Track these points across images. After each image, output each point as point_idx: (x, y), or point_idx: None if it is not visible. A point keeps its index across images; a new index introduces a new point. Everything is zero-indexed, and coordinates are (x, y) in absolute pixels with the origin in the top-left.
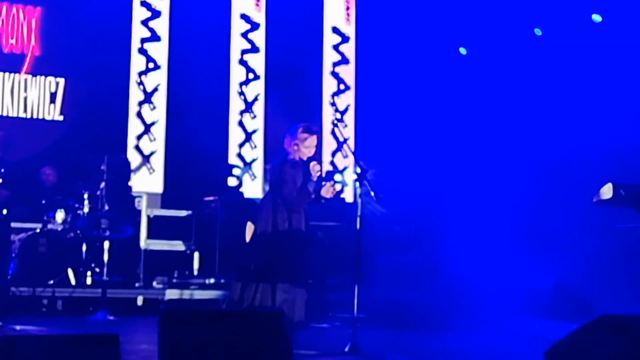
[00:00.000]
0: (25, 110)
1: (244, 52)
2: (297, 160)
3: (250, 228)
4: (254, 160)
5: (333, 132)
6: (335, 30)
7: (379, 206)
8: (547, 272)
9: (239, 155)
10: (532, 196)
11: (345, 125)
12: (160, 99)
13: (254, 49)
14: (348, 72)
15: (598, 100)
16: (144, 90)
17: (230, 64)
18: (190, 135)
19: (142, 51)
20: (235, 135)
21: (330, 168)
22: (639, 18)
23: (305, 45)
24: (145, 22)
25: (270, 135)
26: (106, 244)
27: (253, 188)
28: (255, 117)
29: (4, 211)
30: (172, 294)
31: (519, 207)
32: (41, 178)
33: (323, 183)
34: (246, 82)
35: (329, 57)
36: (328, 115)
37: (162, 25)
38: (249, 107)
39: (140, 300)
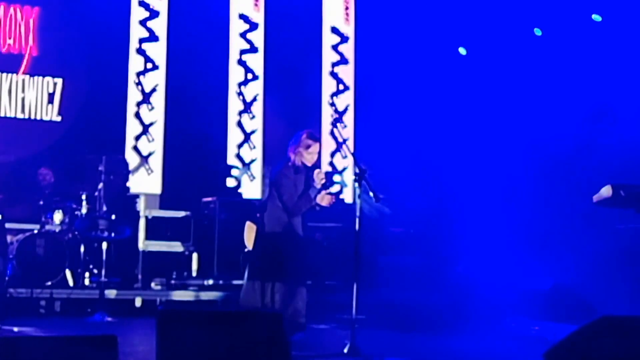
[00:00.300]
0: (23, 111)
1: (242, 52)
2: (299, 166)
3: (249, 228)
4: (252, 160)
5: (332, 133)
6: (334, 30)
7: (381, 206)
8: (547, 273)
9: (238, 156)
10: (532, 197)
11: (345, 126)
12: (159, 99)
13: (253, 49)
14: (347, 72)
15: (598, 101)
16: (142, 91)
17: (229, 64)
18: (188, 135)
19: (140, 51)
20: (234, 136)
21: (330, 169)
22: (639, 18)
23: (304, 45)
24: (143, 22)
25: (269, 136)
26: (104, 245)
27: (252, 189)
28: (254, 117)
29: None
30: (170, 295)
31: (519, 208)
32: (38, 179)
33: (323, 192)
34: (245, 82)
35: (328, 57)
36: (327, 115)
37: (160, 26)
38: (247, 107)
39: (138, 302)
